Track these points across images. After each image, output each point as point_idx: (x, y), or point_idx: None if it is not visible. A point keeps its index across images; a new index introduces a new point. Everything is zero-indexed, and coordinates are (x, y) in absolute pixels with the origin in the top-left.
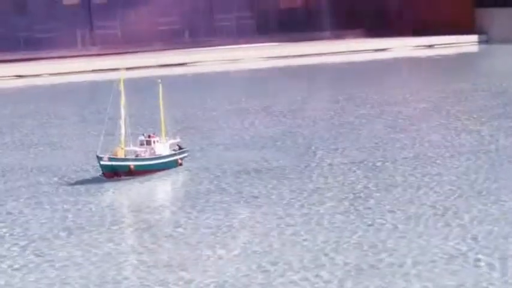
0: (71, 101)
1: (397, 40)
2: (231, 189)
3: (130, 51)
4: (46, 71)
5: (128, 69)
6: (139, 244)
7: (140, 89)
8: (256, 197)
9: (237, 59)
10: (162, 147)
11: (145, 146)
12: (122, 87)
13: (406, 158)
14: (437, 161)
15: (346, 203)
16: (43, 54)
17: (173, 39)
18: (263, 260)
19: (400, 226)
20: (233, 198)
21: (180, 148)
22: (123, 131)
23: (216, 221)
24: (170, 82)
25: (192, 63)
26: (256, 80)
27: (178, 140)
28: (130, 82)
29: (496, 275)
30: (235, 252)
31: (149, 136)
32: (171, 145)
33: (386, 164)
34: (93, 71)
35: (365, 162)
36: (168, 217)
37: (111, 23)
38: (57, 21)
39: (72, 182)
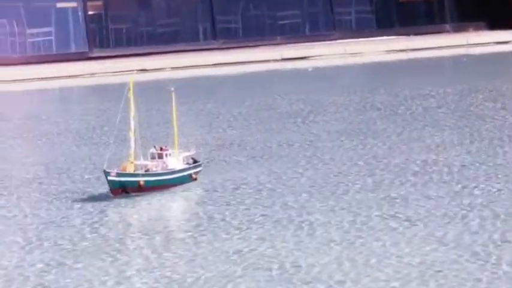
0: (189, 97)
1: None
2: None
3: (250, 45)
4: (169, 65)
5: (247, 63)
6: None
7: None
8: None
9: (357, 53)
10: (175, 160)
11: (156, 159)
12: (131, 94)
13: None
14: None
15: None
16: (165, 48)
17: (293, 33)
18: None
19: None
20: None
21: (195, 161)
22: (132, 143)
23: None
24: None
25: (312, 57)
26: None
27: (192, 152)
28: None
29: None
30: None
31: (161, 149)
32: (184, 158)
33: None
34: (214, 65)
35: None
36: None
37: (232, 17)
38: (179, 16)
39: (84, 197)
